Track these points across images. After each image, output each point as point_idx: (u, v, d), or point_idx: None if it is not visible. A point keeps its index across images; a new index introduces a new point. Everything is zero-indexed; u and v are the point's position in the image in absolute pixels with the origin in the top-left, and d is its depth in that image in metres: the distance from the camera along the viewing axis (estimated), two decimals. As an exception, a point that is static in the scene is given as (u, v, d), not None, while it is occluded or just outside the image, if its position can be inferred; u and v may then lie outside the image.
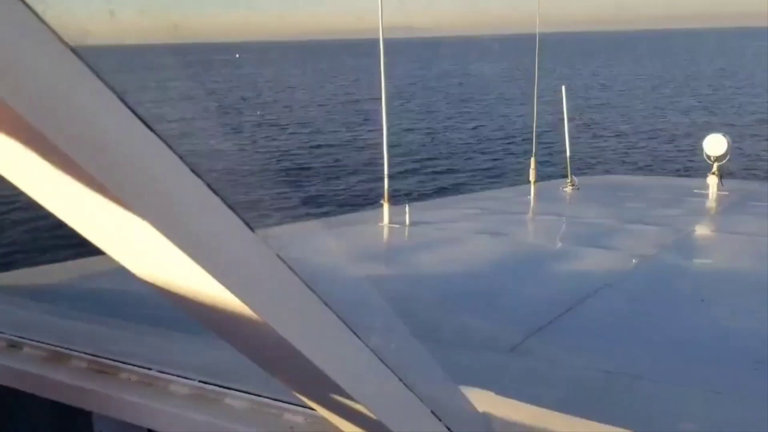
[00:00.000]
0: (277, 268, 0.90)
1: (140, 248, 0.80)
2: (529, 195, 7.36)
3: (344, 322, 1.03)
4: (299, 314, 0.95)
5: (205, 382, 1.86)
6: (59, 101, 0.64)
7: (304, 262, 3.97)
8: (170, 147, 0.75)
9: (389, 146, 6.13)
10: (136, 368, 1.98)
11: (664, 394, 2.52)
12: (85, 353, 2.07)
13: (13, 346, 2.21)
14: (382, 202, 5.95)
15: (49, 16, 0.62)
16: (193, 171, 0.77)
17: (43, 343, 2.16)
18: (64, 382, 2.03)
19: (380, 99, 6.03)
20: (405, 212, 5.87)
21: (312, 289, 0.96)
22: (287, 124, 31.43)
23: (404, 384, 1.19)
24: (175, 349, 2.13)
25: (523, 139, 22.21)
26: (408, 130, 27.50)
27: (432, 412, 1.28)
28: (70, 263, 3.81)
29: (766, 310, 3.61)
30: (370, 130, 25.59)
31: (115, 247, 0.82)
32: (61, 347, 2.13)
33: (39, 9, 0.61)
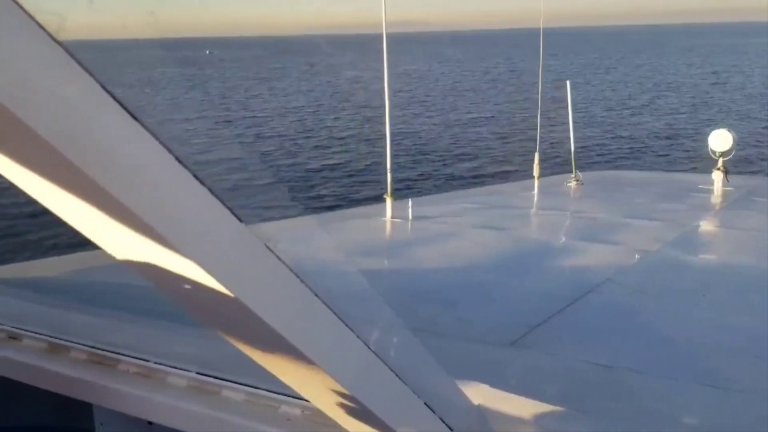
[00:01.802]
0: (266, 260, 0.91)
1: (129, 240, 0.80)
2: (533, 190, 7.36)
3: (336, 314, 1.03)
4: (289, 306, 0.96)
5: (203, 374, 1.87)
6: (48, 95, 0.64)
7: (304, 256, 4.00)
8: (158, 139, 0.75)
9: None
10: (134, 360, 1.99)
11: (664, 389, 2.52)
12: (84, 345, 2.09)
13: (13, 337, 2.22)
14: (385, 196, 5.95)
15: (32, 10, 0.62)
16: (180, 162, 0.78)
17: (42, 334, 2.18)
18: (64, 374, 2.05)
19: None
20: (408, 207, 5.87)
21: (303, 281, 0.96)
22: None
23: (397, 376, 1.19)
24: (173, 341, 2.15)
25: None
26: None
27: (425, 404, 1.29)
28: (69, 256, 3.83)
29: (766, 306, 3.61)
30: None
31: (105, 239, 0.83)
32: (61, 339, 2.14)
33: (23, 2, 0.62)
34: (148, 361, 1.98)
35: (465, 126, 29.88)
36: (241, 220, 0.86)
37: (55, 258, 4.13)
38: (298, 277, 0.95)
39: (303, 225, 6.40)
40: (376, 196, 6.27)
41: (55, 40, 0.64)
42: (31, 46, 0.62)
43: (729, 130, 7.63)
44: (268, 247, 0.90)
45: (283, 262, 0.92)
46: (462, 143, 25.98)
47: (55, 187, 0.73)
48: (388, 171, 6.02)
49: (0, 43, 0.59)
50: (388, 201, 5.91)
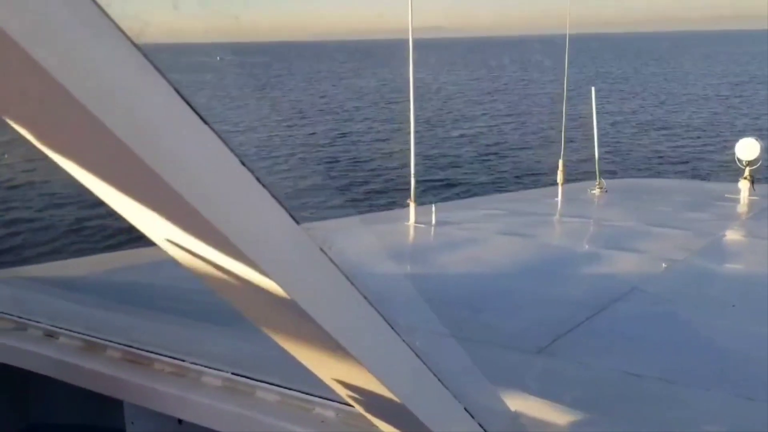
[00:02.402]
0: (320, 262, 0.92)
1: (191, 239, 0.82)
2: (557, 197, 7.32)
3: (384, 318, 1.04)
4: (341, 308, 0.97)
5: (237, 374, 1.89)
6: (124, 98, 0.66)
7: (339, 257, 3.99)
8: (223, 140, 0.77)
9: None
10: (169, 359, 2.01)
11: (692, 398, 2.49)
12: (120, 344, 2.12)
13: (50, 335, 2.26)
14: (408, 201, 5.96)
15: (112, 13, 0.64)
16: (243, 163, 0.79)
17: (78, 333, 2.21)
18: (99, 372, 2.07)
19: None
20: (431, 212, 5.87)
21: (354, 284, 0.97)
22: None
23: (439, 381, 1.20)
24: (208, 341, 2.16)
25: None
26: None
27: (465, 409, 1.29)
28: (105, 255, 3.88)
29: None
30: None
31: (167, 237, 0.84)
32: (96, 337, 2.17)
33: (103, 4, 0.64)
34: (183, 360, 2.00)
35: (484, 133, 29.76)
36: (297, 222, 0.87)
37: (91, 257, 4.19)
38: (349, 279, 0.96)
39: (326, 228, 6.42)
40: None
41: (134, 44, 0.65)
42: (110, 50, 0.64)
43: (757, 139, 7.55)
44: (322, 250, 0.91)
45: (336, 265, 0.93)
46: (483, 149, 25.89)
47: (125, 186, 0.75)
48: (412, 176, 6.04)
49: (80, 46, 0.61)
50: (412, 206, 5.91)
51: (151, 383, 2.00)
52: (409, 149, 6.11)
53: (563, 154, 7.40)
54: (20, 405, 2.52)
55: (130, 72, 0.66)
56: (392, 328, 1.06)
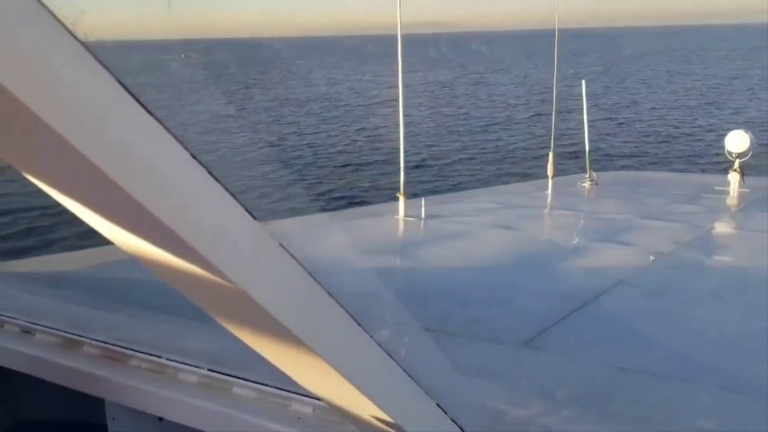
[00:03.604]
0: (279, 258, 0.90)
1: (143, 237, 0.80)
2: (547, 189, 7.32)
3: (349, 313, 1.03)
4: (302, 304, 0.95)
5: (214, 371, 1.87)
6: (66, 92, 0.64)
7: (317, 254, 4.01)
8: (174, 136, 0.75)
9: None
10: (146, 356, 2.00)
11: (678, 391, 2.49)
12: (97, 340, 2.10)
13: (27, 332, 2.24)
14: (398, 195, 5.95)
15: (52, 6, 0.62)
16: (196, 160, 0.77)
17: (55, 329, 2.19)
18: (76, 369, 2.06)
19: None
20: (421, 205, 5.86)
21: (316, 279, 0.96)
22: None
23: (409, 376, 1.19)
24: (185, 337, 2.15)
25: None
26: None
27: (438, 404, 1.28)
28: (83, 252, 3.85)
29: None
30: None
31: (118, 235, 0.83)
32: (74, 334, 2.15)
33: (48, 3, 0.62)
34: (160, 357, 1.98)
35: (475, 128, 29.54)
36: (255, 218, 0.85)
37: (69, 254, 4.16)
38: (311, 275, 0.95)
39: (316, 223, 6.41)
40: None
41: (74, 37, 0.63)
42: (50, 43, 0.62)
43: (746, 132, 7.56)
44: (281, 246, 0.90)
45: (297, 261, 0.92)
46: (474, 143, 25.79)
47: (70, 183, 0.73)
48: (401, 170, 6.02)
49: (19, 38, 0.59)
50: (401, 200, 5.90)
51: (129, 380, 1.98)
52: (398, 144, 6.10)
53: (552, 147, 7.40)
54: (1, 403, 2.50)
55: (74, 68, 0.64)
56: (359, 324, 1.05)
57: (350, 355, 1.06)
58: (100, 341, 2.10)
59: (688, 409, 2.38)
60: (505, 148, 23.79)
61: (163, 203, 0.75)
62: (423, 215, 5.79)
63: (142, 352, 2.01)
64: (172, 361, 1.96)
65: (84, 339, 2.13)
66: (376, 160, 20.68)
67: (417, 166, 19.29)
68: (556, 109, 7.62)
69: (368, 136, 25.62)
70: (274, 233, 0.90)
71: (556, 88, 7.73)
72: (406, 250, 5.33)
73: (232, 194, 0.82)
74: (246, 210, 0.84)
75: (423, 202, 5.93)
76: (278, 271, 0.91)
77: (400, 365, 1.15)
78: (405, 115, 6.18)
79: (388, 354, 1.12)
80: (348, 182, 18.63)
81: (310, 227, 5.70)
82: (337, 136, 26.60)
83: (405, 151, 6.11)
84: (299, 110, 34.78)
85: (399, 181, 5.96)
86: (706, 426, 2.24)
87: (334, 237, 5.43)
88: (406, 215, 5.83)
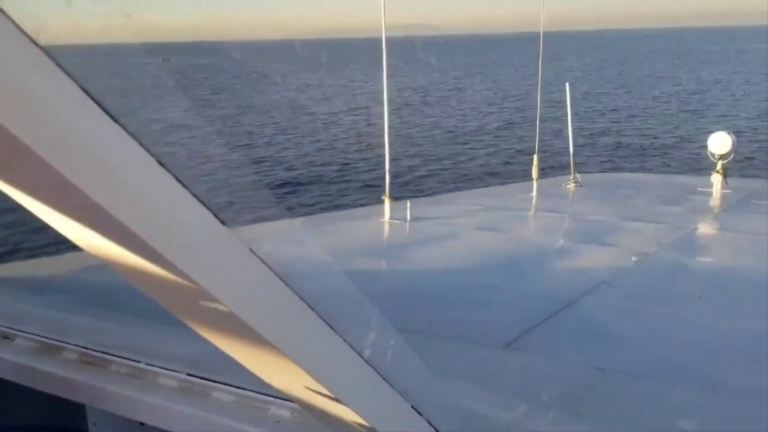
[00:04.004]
0: (249, 263, 0.91)
1: (112, 243, 0.80)
2: (532, 192, 7.36)
3: (320, 317, 1.03)
4: (273, 309, 0.96)
5: (193, 375, 1.87)
6: (28, 98, 0.64)
7: (297, 257, 4.00)
8: (139, 142, 0.75)
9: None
10: (125, 360, 1.99)
11: (658, 392, 2.52)
12: (77, 345, 2.09)
13: (5, 337, 2.22)
14: (383, 197, 5.96)
15: (12, 13, 0.62)
16: (162, 166, 0.78)
17: (34, 335, 2.18)
18: (56, 374, 2.05)
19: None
20: (406, 208, 5.88)
21: (287, 284, 0.96)
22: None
23: (383, 378, 1.19)
24: (164, 342, 2.15)
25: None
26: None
27: (412, 407, 1.29)
28: (61, 257, 3.83)
29: (764, 308, 3.60)
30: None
31: (88, 242, 0.83)
32: (53, 339, 2.14)
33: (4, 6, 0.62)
34: (139, 362, 1.98)
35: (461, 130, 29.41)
36: (223, 223, 0.85)
37: (47, 258, 4.13)
38: (281, 279, 0.95)
39: (302, 225, 6.41)
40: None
41: (35, 43, 0.64)
42: (11, 49, 0.62)
43: (728, 133, 7.64)
44: (251, 251, 0.90)
45: (267, 265, 0.92)
46: (459, 145, 25.69)
47: (37, 190, 0.73)
48: (387, 172, 6.04)
49: None
50: (387, 202, 5.91)
51: (109, 385, 1.98)
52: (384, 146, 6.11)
53: (537, 149, 7.44)
54: None
55: (36, 75, 0.64)
56: (331, 328, 1.06)
57: (323, 359, 1.07)
58: (80, 346, 2.10)
59: (667, 410, 2.40)
60: (466, 165, 22.78)
61: (130, 210, 0.75)
62: (408, 217, 5.81)
63: (121, 357, 2.01)
64: (151, 365, 1.96)
65: (63, 344, 2.12)
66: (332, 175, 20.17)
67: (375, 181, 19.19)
68: (539, 116, 7.67)
69: (321, 149, 24.75)
70: (244, 239, 0.90)
71: (540, 93, 7.78)
72: (391, 252, 5.34)
73: (200, 200, 0.82)
74: (215, 216, 0.84)
75: (408, 205, 5.95)
76: (248, 276, 0.91)
77: (374, 368, 1.16)
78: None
79: (362, 357, 1.13)
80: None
81: (296, 230, 5.70)
82: (290, 149, 25.59)
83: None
84: (260, 118, 33.80)
85: (384, 185, 5.98)
86: (685, 426, 2.27)
87: (320, 239, 5.43)
88: (391, 218, 5.84)
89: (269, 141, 27.29)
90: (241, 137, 28.25)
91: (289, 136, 28.13)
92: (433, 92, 47.23)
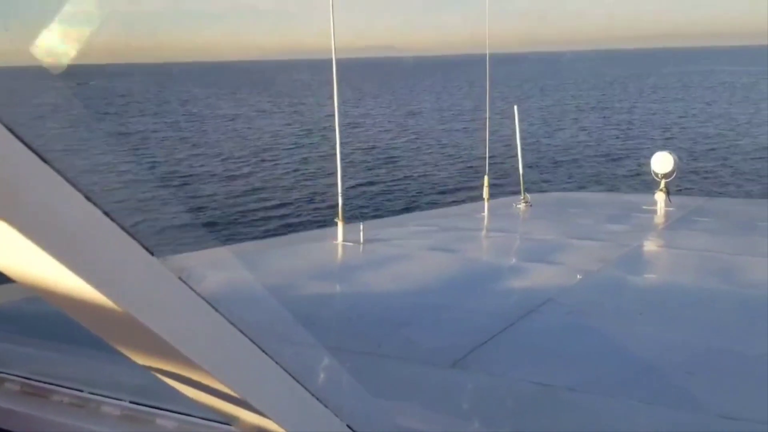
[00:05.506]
0: (179, 292, 0.93)
1: (41, 275, 0.82)
2: (483, 212, 7.49)
3: (252, 341, 1.06)
4: (204, 335, 0.98)
5: (136, 403, 1.87)
6: None
7: (252, 280, 4.00)
8: (63, 175, 0.78)
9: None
10: (67, 390, 1.98)
11: (596, 405, 2.59)
12: (17, 376, 2.06)
13: None
14: (336, 220, 6.00)
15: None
16: (87, 198, 0.80)
17: None
18: None
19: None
20: (359, 230, 5.92)
21: (217, 310, 0.99)
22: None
23: (317, 399, 1.23)
24: (107, 370, 2.13)
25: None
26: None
27: (348, 426, 1.32)
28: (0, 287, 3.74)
29: (701, 322, 3.74)
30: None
31: (21, 275, 0.84)
32: None
33: None
34: (81, 391, 1.96)
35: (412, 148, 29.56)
36: (152, 253, 0.88)
37: None
38: (212, 306, 0.98)
39: (253, 249, 6.39)
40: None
41: None
42: None
43: (671, 153, 7.90)
44: (181, 279, 0.93)
45: (196, 293, 0.95)
46: (411, 167, 25.84)
47: None
48: (339, 195, 6.08)
49: None
50: (340, 225, 5.95)
51: (51, 416, 1.95)
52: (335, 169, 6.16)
53: (488, 171, 7.58)
54: None
55: None
56: (263, 351, 1.09)
57: (256, 382, 1.10)
58: (21, 377, 2.07)
59: (608, 422, 2.48)
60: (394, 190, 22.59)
61: (56, 242, 0.77)
62: (361, 239, 5.85)
63: (62, 387, 1.99)
64: (94, 394, 1.95)
65: (4, 375, 2.09)
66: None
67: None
68: (488, 138, 7.82)
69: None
70: (174, 267, 0.93)
71: (489, 112, 7.94)
72: (344, 274, 5.37)
73: (127, 231, 0.85)
74: (142, 245, 0.87)
75: (361, 227, 6.00)
76: (178, 305, 0.94)
77: (307, 389, 1.19)
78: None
79: (294, 378, 1.16)
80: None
81: (247, 254, 5.68)
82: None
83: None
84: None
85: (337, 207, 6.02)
86: None
87: (273, 262, 5.43)
88: (344, 240, 5.88)
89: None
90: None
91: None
92: (376, 116, 47.35)
